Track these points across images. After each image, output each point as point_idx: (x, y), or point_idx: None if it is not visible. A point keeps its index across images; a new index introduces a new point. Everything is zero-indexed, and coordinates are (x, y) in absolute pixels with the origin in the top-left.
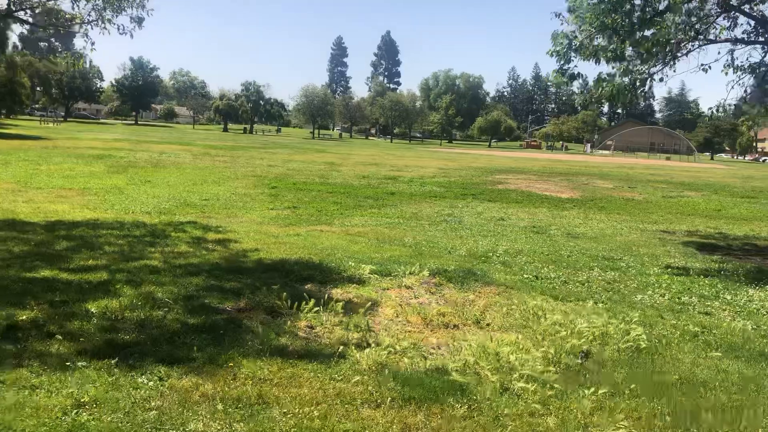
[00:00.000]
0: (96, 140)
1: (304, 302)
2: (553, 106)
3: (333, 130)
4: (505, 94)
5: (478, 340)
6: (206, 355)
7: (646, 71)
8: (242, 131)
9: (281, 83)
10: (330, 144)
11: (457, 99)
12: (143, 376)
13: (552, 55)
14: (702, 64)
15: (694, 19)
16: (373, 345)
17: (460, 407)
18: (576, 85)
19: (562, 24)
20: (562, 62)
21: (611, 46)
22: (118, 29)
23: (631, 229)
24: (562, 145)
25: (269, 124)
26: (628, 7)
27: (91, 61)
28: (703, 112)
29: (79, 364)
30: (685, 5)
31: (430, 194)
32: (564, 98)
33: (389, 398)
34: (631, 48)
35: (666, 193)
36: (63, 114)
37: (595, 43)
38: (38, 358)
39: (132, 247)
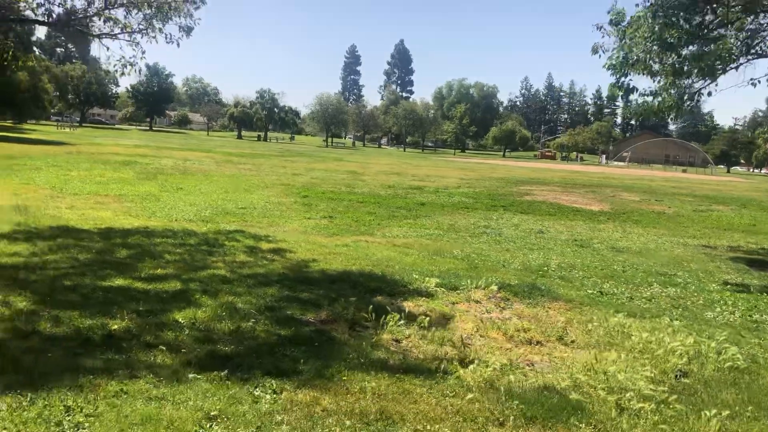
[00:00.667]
0: (117, 146)
1: (388, 316)
2: (565, 116)
3: (344, 138)
4: (518, 103)
5: (582, 359)
6: (311, 367)
7: (695, 86)
8: (256, 138)
9: (294, 91)
10: (345, 152)
11: (471, 108)
12: (257, 389)
13: (608, 69)
14: (752, 79)
15: (745, 33)
16: (476, 362)
17: (585, 427)
18: (631, 97)
19: (603, 37)
20: (618, 75)
21: (668, 61)
22: (166, 38)
23: (672, 243)
24: (578, 156)
25: (282, 132)
26: (684, 22)
27: (140, 70)
28: (718, 125)
29: (190, 375)
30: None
31: (461, 205)
32: (576, 108)
33: (511, 417)
34: (686, 63)
35: (695, 207)
36: (78, 119)
37: (647, 57)
38: (149, 369)
39: (192, 255)
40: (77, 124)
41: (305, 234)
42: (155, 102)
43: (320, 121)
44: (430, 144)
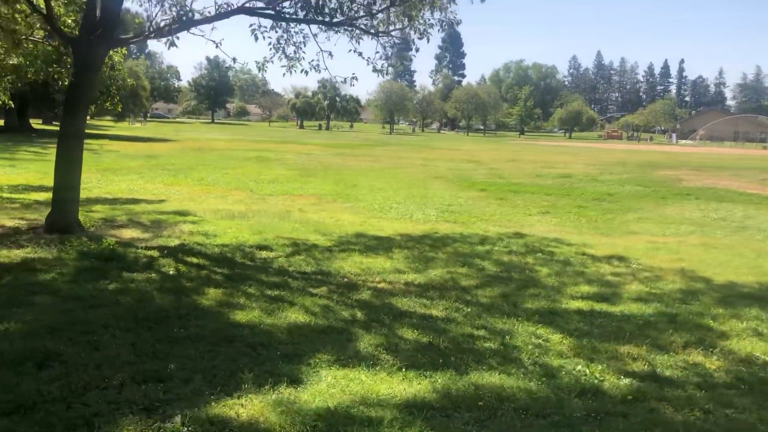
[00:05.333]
0: (214, 140)
1: None
2: (616, 95)
3: (398, 124)
4: (566, 83)
5: None
6: None
7: None
8: (317, 128)
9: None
10: (418, 139)
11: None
12: None
13: None
14: None
15: None
16: None
17: None
18: None
19: None
20: None
21: None
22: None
23: None
24: (649, 137)
25: (340, 121)
26: None
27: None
28: None
29: None
30: None
31: (642, 194)
32: (628, 87)
33: None
34: None
35: None
36: (143, 114)
37: None
38: None
39: (561, 267)
40: (146, 119)
41: (569, 233)
42: (216, 94)
43: (384, 109)
44: (492, 127)
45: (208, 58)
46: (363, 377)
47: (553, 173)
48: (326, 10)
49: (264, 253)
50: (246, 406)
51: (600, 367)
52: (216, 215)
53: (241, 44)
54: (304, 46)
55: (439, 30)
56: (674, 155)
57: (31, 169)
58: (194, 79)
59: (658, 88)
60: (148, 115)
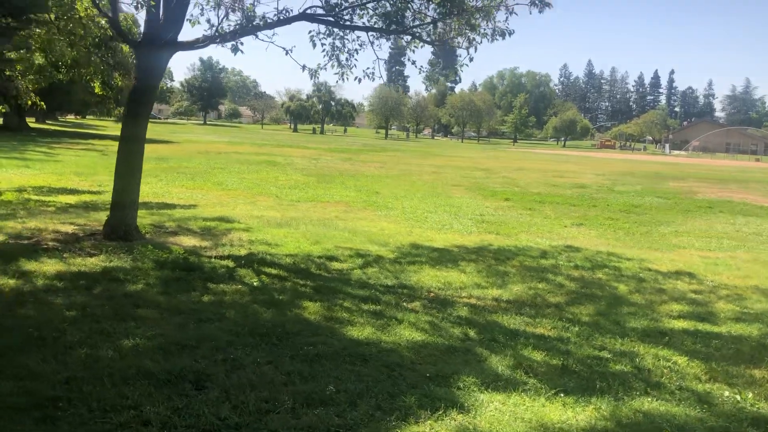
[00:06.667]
0: (213, 143)
1: None
2: (606, 104)
3: (391, 129)
4: (557, 91)
5: None
6: None
7: None
8: (311, 131)
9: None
10: (414, 145)
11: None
12: None
13: None
14: None
15: None
16: None
17: None
18: None
19: None
20: None
21: None
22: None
23: None
24: (643, 146)
25: (333, 124)
26: None
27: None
28: None
29: None
30: None
31: (665, 207)
32: (618, 96)
33: None
34: None
35: None
36: None
37: None
38: None
39: (637, 284)
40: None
41: (618, 247)
42: (209, 96)
43: (380, 114)
44: (484, 134)
45: (201, 59)
46: (526, 403)
47: (568, 183)
48: (405, 20)
49: (335, 264)
50: None
51: (750, 393)
52: (259, 222)
53: (277, 51)
54: (357, 53)
55: (489, 40)
56: (675, 166)
57: (46, 170)
58: (187, 80)
59: (648, 98)
60: None
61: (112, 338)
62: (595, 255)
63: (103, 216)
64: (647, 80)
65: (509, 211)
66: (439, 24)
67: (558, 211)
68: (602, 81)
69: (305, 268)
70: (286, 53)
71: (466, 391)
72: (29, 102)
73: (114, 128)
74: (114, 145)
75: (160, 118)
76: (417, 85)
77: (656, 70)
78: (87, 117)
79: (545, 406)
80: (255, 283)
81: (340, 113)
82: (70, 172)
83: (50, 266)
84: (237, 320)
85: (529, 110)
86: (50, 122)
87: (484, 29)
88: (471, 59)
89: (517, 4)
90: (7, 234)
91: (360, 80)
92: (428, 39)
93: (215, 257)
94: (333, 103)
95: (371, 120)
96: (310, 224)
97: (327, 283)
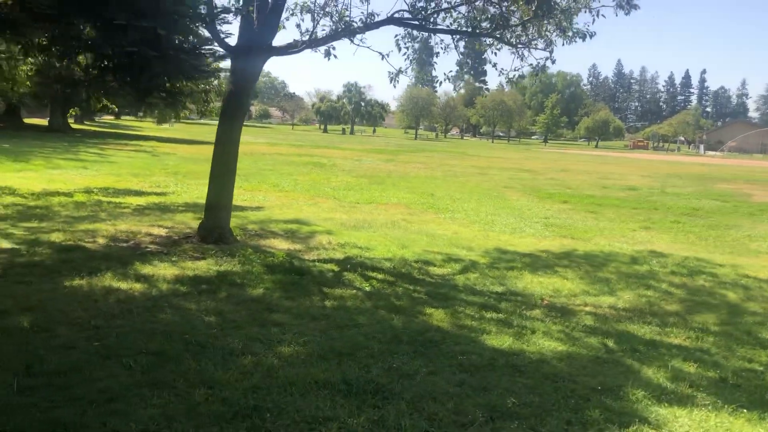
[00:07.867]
0: (257, 144)
1: None
2: (636, 104)
3: (420, 129)
4: (586, 91)
5: None
6: None
7: None
8: (341, 132)
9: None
10: (446, 145)
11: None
12: None
13: None
14: None
15: None
16: None
17: None
18: None
19: None
20: None
21: None
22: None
23: None
24: (677, 147)
25: (362, 125)
26: None
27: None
28: None
29: None
30: None
31: (726, 210)
32: (648, 96)
33: None
34: None
35: None
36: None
37: None
38: None
39: (745, 292)
40: (176, 121)
41: (701, 252)
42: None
43: (410, 115)
44: (513, 135)
45: None
46: (712, 419)
47: (618, 185)
48: (510, 24)
49: (434, 269)
50: None
51: None
52: (333, 225)
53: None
54: (437, 56)
55: (568, 42)
56: (716, 167)
57: (103, 171)
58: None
59: (679, 98)
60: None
61: (266, 345)
62: (684, 261)
63: (180, 217)
64: (678, 80)
65: (572, 214)
66: (529, 26)
67: (620, 214)
68: (632, 81)
69: (407, 273)
70: (383, 58)
71: (643, 405)
72: (99, 105)
73: (153, 129)
74: (160, 147)
75: (192, 119)
76: (444, 85)
77: (687, 70)
78: (122, 117)
79: (733, 423)
80: (367, 288)
81: (370, 114)
82: (127, 173)
83: (165, 270)
84: (372, 326)
85: (561, 110)
86: (88, 122)
87: (567, 31)
88: (553, 61)
89: (602, 6)
90: (105, 237)
91: (441, 83)
92: (512, 41)
93: (317, 261)
94: (363, 104)
95: (401, 120)
96: (380, 227)
97: (436, 288)
